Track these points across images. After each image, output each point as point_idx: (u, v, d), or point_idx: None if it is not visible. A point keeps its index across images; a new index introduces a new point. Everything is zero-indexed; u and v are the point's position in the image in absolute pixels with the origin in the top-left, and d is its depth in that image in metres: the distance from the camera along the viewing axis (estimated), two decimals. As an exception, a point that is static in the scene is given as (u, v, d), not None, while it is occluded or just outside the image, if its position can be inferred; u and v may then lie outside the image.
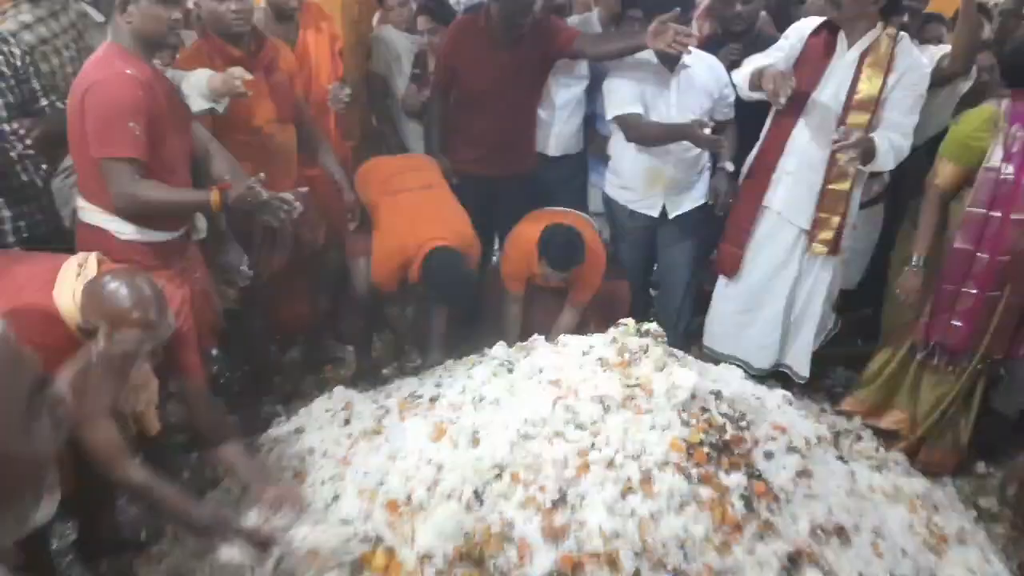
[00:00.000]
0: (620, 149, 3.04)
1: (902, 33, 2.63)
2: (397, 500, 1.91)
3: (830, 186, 2.71)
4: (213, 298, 2.57)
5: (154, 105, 2.11)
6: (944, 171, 2.52)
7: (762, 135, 2.86)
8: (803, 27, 2.75)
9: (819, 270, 2.88)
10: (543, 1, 3.08)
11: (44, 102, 2.43)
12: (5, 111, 2.28)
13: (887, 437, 2.79)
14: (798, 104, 2.68)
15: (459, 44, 3.07)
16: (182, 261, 2.36)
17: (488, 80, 2.98)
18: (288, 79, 2.72)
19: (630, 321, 2.16)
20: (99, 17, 2.70)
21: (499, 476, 1.84)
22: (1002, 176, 2.39)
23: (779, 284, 2.92)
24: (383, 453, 2.10)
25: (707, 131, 2.78)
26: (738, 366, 2.95)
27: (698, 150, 2.98)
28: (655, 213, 3.06)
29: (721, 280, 3.07)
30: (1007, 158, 2.38)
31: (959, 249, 2.48)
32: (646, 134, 2.91)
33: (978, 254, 2.46)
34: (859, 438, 2.67)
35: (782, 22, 3.16)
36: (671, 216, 3.06)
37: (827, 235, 2.77)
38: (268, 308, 3.11)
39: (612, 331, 2.13)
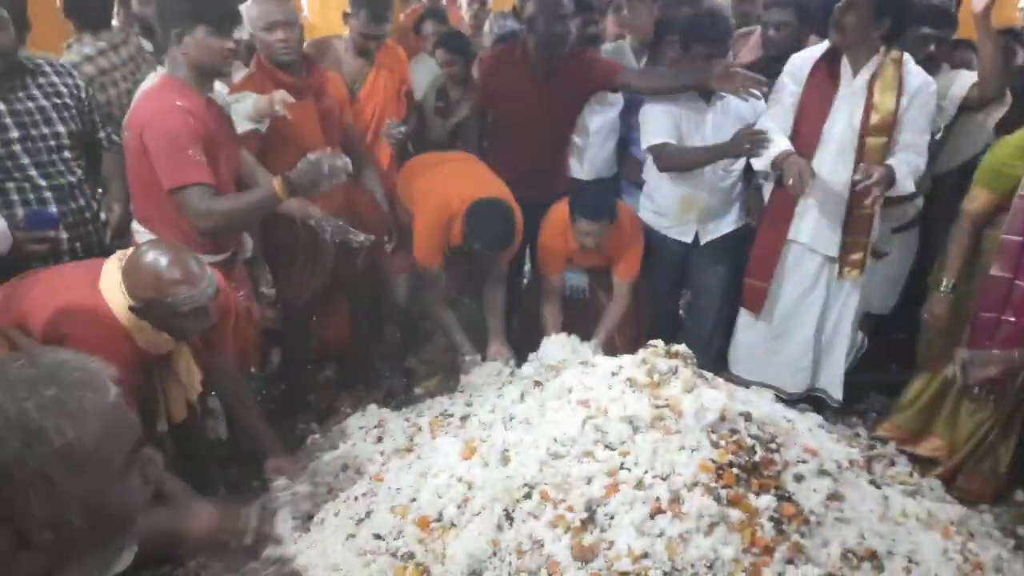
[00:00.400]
0: (655, 176, 3.06)
1: (906, 55, 2.64)
2: (428, 517, 1.95)
3: (856, 212, 2.72)
4: (255, 317, 2.65)
5: (206, 132, 2.23)
6: (978, 197, 2.51)
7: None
8: (798, 70, 2.74)
9: (847, 293, 2.88)
10: (578, 32, 3.11)
11: (102, 133, 2.56)
12: (68, 139, 2.41)
13: (923, 464, 2.74)
14: (812, 138, 2.69)
15: (496, 73, 3.14)
16: (228, 281, 2.45)
17: (523, 110, 3.04)
18: (337, 105, 2.82)
19: (659, 343, 2.18)
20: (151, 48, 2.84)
21: (528, 495, 1.86)
22: None
23: (808, 310, 2.91)
24: (415, 470, 2.15)
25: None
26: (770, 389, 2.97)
27: (732, 178, 2.99)
28: (688, 239, 3.08)
29: (744, 310, 3.07)
30: None
31: (996, 277, 2.46)
32: (680, 162, 2.94)
33: (1016, 282, 2.43)
34: (893, 463, 2.63)
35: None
36: (703, 242, 3.08)
37: (857, 256, 2.77)
38: (306, 328, 3.19)
39: (641, 352, 2.15)
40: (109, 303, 1.89)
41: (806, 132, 2.70)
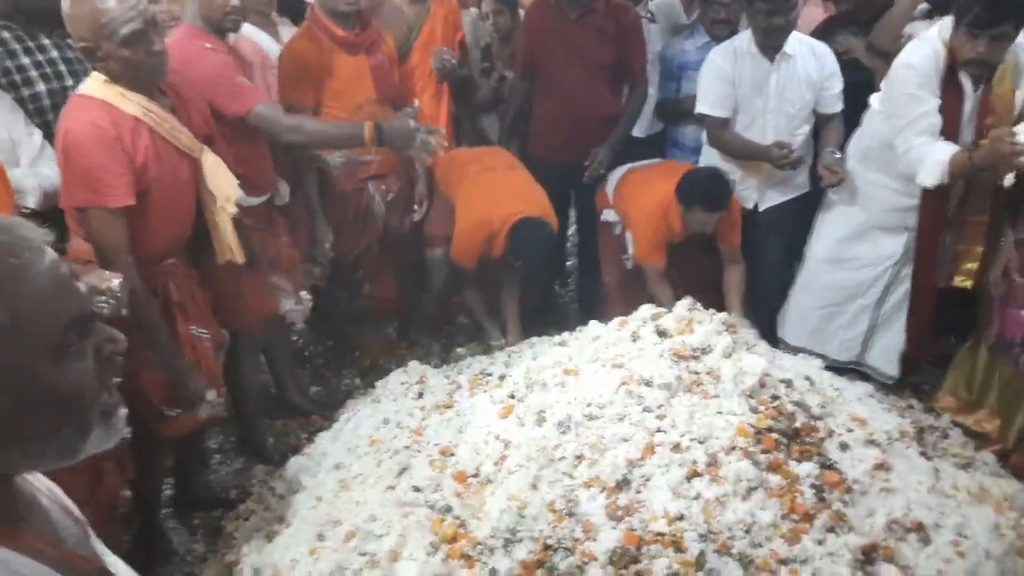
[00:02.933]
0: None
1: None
2: (466, 472, 1.97)
3: (969, 219, 2.56)
4: (298, 265, 2.70)
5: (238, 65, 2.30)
6: None
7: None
8: (928, 79, 2.43)
9: None
10: None
11: None
12: None
13: (979, 438, 2.65)
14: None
15: (536, 20, 3.16)
16: (268, 224, 2.50)
17: (562, 55, 3.03)
18: (388, 62, 2.83)
19: (698, 305, 2.14)
20: None
21: (563, 456, 1.86)
22: None
23: (877, 280, 2.81)
24: (453, 427, 2.17)
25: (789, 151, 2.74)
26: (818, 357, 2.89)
27: (800, 142, 2.86)
28: (748, 205, 2.98)
29: (805, 273, 2.98)
30: None
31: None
32: (726, 146, 2.87)
33: None
34: (946, 435, 2.54)
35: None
36: (762, 208, 2.99)
37: (971, 266, 2.60)
38: (352, 286, 3.24)
39: (681, 312, 2.11)
40: (90, 92, 1.85)
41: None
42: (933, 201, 2.55)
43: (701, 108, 2.88)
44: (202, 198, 2.06)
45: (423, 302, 3.31)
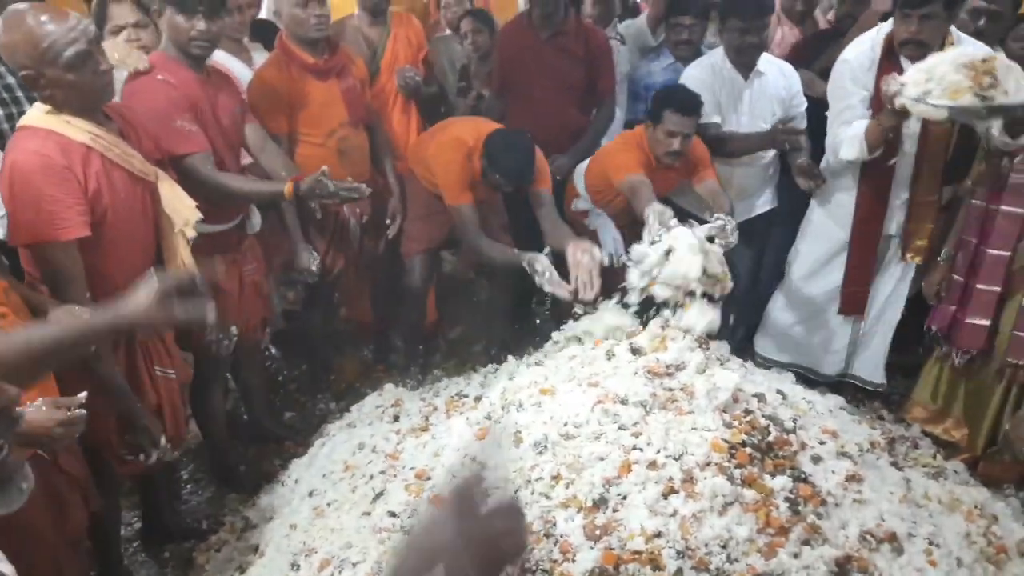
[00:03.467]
0: None
1: (957, 33, 2.52)
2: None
3: (920, 198, 2.66)
4: (266, 292, 2.67)
5: (194, 103, 2.23)
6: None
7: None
8: (860, 73, 2.57)
9: (900, 278, 2.83)
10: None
11: None
12: None
13: (948, 447, 2.70)
14: (894, 140, 2.59)
15: (508, 41, 3.23)
16: (236, 251, 2.47)
17: (533, 73, 3.09)
18: (359, 84, 2.84)
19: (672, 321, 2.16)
20: None
21: (540, 476, 1.86)
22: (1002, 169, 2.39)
23: None
24: (429, 450, 2.15)
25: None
26: (801, 373, 2.93)
27: (768, 159, 2.93)
28: None
29: (783, 287, 3.02)
30: None
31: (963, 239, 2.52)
32: (725, 145, 2.88)
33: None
34: (916, 445, 2.59)
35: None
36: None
37: (921, 243, 2.70)
38: (328, 309, 3.22)
39: (655, 330, 2.13)
40: (34, 123, 1.78)
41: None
42: (872, 185, 2.69)
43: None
44: (159, 223, 1.99)
45: (404, 310, 3.28)
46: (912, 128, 2.57)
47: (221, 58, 2.60)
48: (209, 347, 2.36)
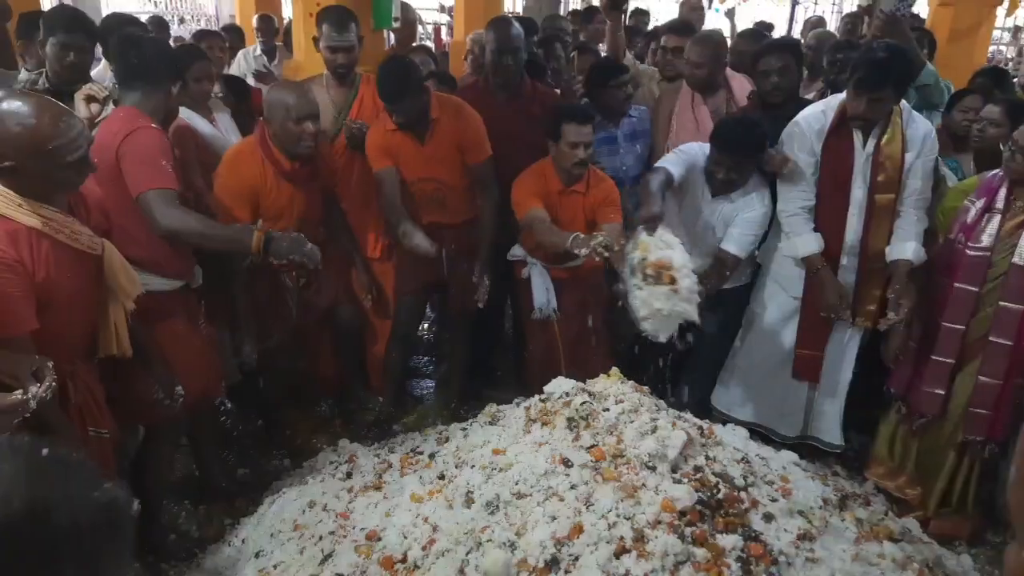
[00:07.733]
0: None
1: (903, 104, 2.64)
2: (393, 557, 1.91)
3: (869, 265, 2.72)
4: (219, 349, 2.62)
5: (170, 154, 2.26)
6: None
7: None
8: (809, 142, 2.67)
9: (850, 339, 2.86)
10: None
11: None
12: None
13: (902, 504, 2.72)
14: (840, 209, 2.68)
15: (468, 100, 3.20)
16: (186, 312, 2.43)
17: (492, 135, 3.11)
18: (318, 186, 2.84)
19: (615, 372, 2.17)
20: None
21: (491, 538, 1.83)
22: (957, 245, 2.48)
23: None
24: (381, 510, 2.11)
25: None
26: (763, 433, 2.93)
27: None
28: None
29: (739, 345, 3.05)
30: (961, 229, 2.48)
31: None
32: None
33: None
34: (868, 503, 2.60)
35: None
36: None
37: (871, 307, 2.75)
38: (278, 370, 3.15)
39: (603, 385, 2.14)
40: None
41: (833, 204, 2.68)
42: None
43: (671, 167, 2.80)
44: (100, 293, 1.96)
45: (386, 354, 3.25)
46: (857, 197, 2.66)
47: (184, 114, 2.67)
48: (154, 409, 2.29)
